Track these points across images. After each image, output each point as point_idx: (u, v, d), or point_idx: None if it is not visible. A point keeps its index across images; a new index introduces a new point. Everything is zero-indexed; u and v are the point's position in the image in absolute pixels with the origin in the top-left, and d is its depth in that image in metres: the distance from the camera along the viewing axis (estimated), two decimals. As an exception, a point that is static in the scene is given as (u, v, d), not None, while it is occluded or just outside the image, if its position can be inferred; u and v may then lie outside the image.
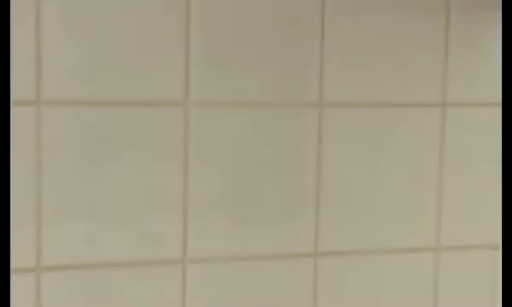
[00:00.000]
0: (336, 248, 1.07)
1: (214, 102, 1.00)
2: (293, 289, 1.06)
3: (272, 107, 1.02)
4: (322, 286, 1.07)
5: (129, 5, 0.97)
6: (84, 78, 0.96)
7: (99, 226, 0.98)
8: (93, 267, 0.98)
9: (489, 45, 1.09)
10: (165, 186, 0.99)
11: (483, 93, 1.09)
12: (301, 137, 1.04)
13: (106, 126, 0.97)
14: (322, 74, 1.03)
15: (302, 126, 1.04)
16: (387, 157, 1.07)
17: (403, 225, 1.08)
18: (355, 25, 1.04)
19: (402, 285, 1.10)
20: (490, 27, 1.08)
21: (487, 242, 1.12)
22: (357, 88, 1.05)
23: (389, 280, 1.09)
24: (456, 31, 1.07)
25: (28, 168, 0.94)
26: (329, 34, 1.03)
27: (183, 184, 1.00)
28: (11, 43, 0.92)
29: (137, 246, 0.99)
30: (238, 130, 1.02)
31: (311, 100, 1.03)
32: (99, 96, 0.97)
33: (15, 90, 0.93)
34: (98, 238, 0.98)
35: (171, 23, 0.98)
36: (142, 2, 0.97)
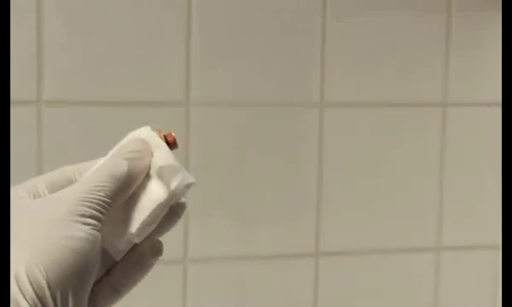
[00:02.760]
0: (337, 248, 1.06)
1: (215, 102, 1.00)
2: (294, 289, 1.06)
3: (273, 107, 1.02)
4: (322, 286, 1.07)
5: (129, 5, 0.96)
6: (84, 78, 0.96)
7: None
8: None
9: (489, 45, 1.09)
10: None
11: (483, 93, 1.09)
12: (302, 137, 1.04)
13: (106, 126, 0.96)
14: (323, 74, 1.03)
15: (303, 126, 1.03)
16: (388, 157, 1.07)
17: (403, 225, 1.08)
18: (356, 25, 1.04)
19: (402, 285, 1.10)
20: (490, 27, 1.08)
21: (488, 242, 1.11)
22: (357, 88, 1.05)
23: (389, 280, 1.09)
24: (457, 31, 1.07)
25: (28, 168, 0.94)
26: (330, 34, 1.03)
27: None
28: (11, 43, 0.92)
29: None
30: (239, 130, 1.02)
31: (312, 100, 1.03)
32: (99, 96, 0.97)
33: (15, 90, 0.93)
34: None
35: (172, 23, 0.98)
36: (142, 3, 0.97)
